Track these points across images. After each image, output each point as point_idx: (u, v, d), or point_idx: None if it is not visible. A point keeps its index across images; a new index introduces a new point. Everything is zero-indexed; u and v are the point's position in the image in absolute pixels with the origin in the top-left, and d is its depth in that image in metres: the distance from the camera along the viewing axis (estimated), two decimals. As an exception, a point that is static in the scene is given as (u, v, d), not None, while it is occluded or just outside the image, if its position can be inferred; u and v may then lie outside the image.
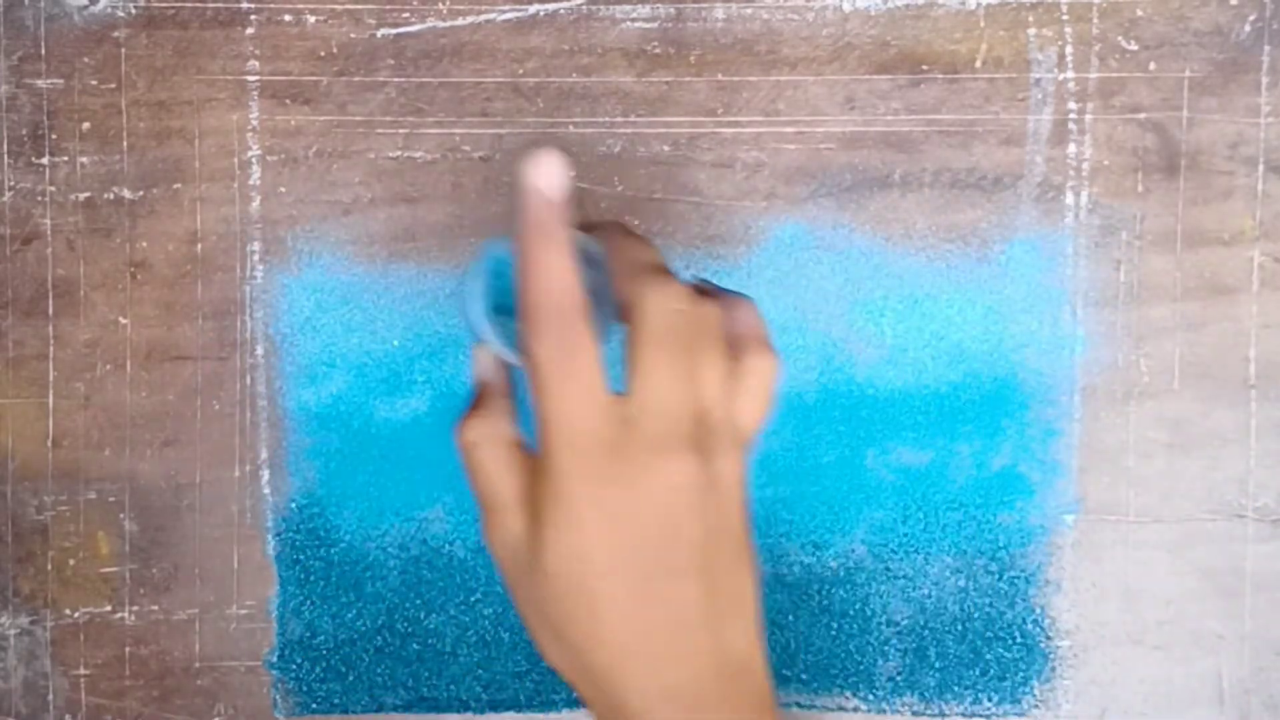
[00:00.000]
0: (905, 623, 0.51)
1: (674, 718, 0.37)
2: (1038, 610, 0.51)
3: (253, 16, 0.50)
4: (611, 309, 0.38)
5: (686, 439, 0.36)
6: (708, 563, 0.37)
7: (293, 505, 0.51)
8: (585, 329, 0.36)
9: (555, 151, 0.36)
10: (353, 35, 0.50)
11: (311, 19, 0.50)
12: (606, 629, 0.37)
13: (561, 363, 0.35)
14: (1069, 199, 0.51)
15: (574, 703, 0.52)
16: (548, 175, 0.36)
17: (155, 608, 0.51)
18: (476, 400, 0.41)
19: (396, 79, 0.50)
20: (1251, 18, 0.50)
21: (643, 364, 0.36)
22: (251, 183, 0.50)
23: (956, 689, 0.52)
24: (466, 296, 0.40)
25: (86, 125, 0.50)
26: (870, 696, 0.52)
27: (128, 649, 0.51)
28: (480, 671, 0.51)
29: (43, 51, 0.50)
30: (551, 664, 0.39)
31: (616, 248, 0.38)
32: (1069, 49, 0.50)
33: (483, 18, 0.50)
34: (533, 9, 0.50)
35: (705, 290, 0.39)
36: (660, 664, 0.37)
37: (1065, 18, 0.50)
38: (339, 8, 0.50)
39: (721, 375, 0.37)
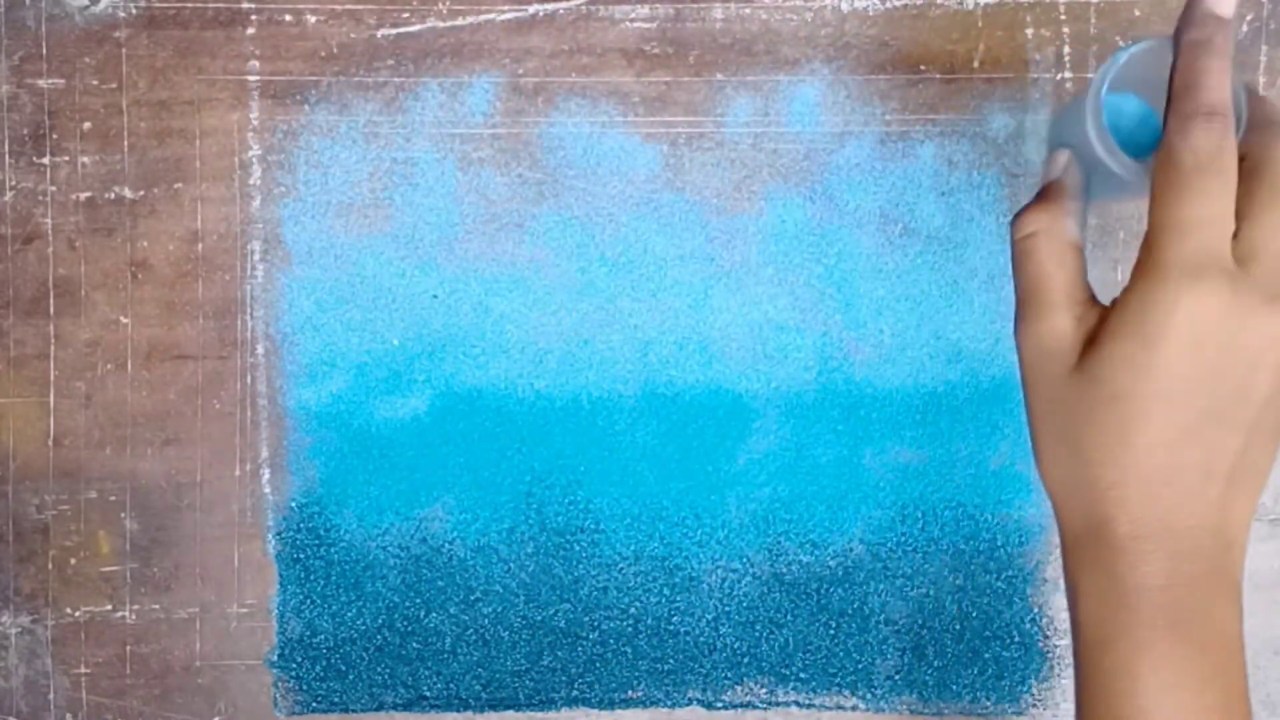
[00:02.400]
0: (903, 622, 0.52)
1: (1155, 557, 0.36)
2: (1035, 609, 0.52)
3: (253, 16, 0.50)
4: None
5: None
6: (1258, 423, 0.37)
7: (293, 504, 0.51)
8: (1234, 144, 0.36)
9: None
10: (353, 35, 0.50)
11: (311, 19, 0.50)
12: (1132, 451, 0.36)
13: (1203, 168, 0.35)
14: (1067, 199, 0.51)
15: (573, 702, 0.52)
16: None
17: (156, 607, 0.51)
18: (1043, 194, 0.40)
19: (396, 79, 0.50)
20: (1249, 17, 0.50)
21: (1267, 208, 0.36)
22: (251, 183, 0.50)
23: (954, 688, 0.52)
24: (1078, 103, 0.40)
25: (87, 125, 0.50)
26: (868, 695, 0.52)
27: (128, 648, 0.51)
28: (480, 670, 0.52)
29: (44, 51, 0.50)
30: (1041, 469, 0.38)
31: (1250, 98, 0.38)
32: (1067, 49, 0.50)
33: (483, 18, 0.50)
34: (532, 9, 0.50)
35: None
36: (1167, 502, 0.36)
37: (1063, 18, 0.50)
38: (339, 8, 0.50)
39: None
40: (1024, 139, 0.51)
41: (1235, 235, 0.36)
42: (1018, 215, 0.40)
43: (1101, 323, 0.37)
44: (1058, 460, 0.38)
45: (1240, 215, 0.36)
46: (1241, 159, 0.37)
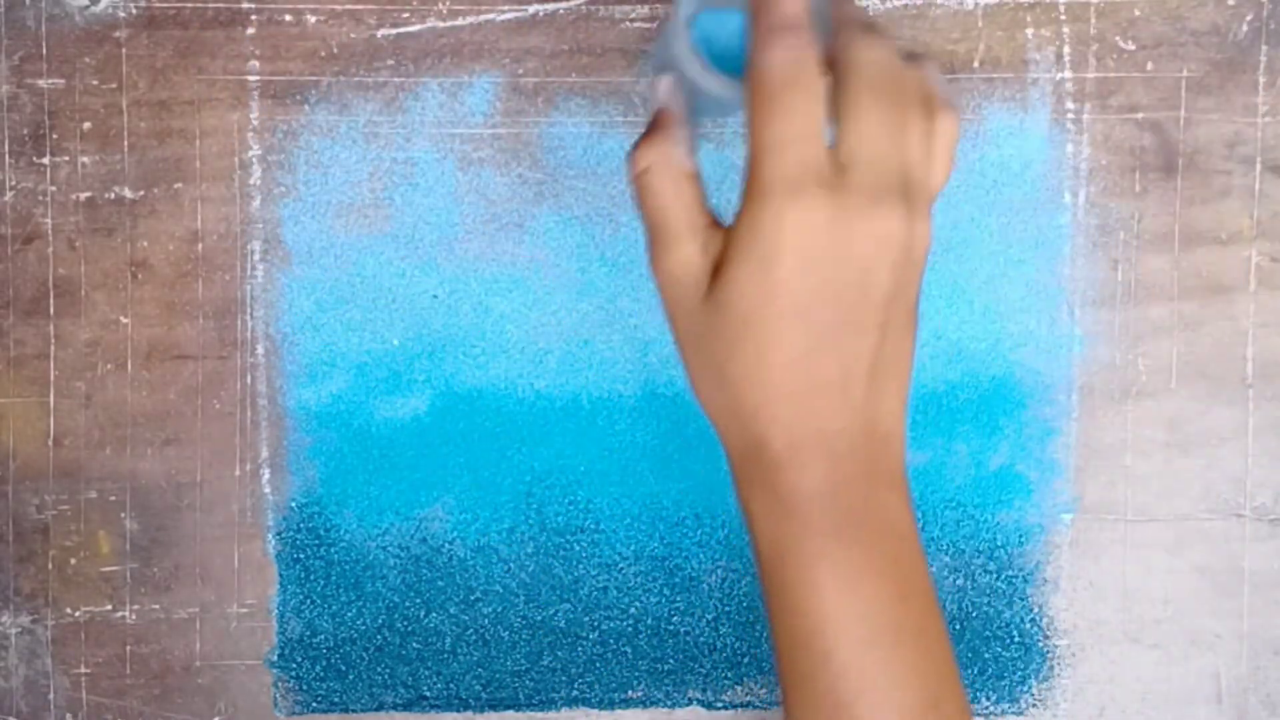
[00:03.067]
0: (904, 621, 0.52)
1: (812, 465, 0.36)
2: (1035, 609, 0.52)
3: (253, 16, 0.50)
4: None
5: (897, 193, 0.36)
6: (887, 322, 0.37)
7: (293, 504, 0.51)
8: (815, 55, 0.35)
9: None
10: (353, 35, 0.50)
11: (311, 19, 0.50)
12: (771, 370, 0.36)
13: (788, 84, 0.35)
14: (1067, 198, 0.51)
15: (573, 702, 0.52)
16: None
17: (156, 607, 0.51)
18: (653, 125, 0.40)
19: (396, 79, 0.50)
20: (1249, 17, 0.50)
21: (857, 113, 0.36)
22: (251, 183, 0.50)
23: (955, 687, 0.52)
24: (670, 25, 0.39)
25: (87, 125, 0.50)
26: (869, 695, 0.52)
27: (128, 648, 0.51)
28: (480, 670, 0.52)
29: (44, 51, 0.50)
30: (698, 397, 0.38)
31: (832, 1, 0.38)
32: (1066, 49, 0.50)
33: (483, 18, 0.50)
34: (532, 9, 0.50)
35: (906, 50, 0.38)
36: (814, 412, 0.36)
37: (1063, 18, 0.50)
38: (339, 8, 0.50)
39: (922, 134, 0.37)
40: (1025, 137, 0.51)
41: (835, 140, 0.36)
42: (631, 151, 0.39)
43: (724, 248, 0.37)
44: (706, 386, 0.38)
45: (836, 122, 0.36)
46: (833, 65, 0.37)
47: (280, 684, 0.51)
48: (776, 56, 0.35)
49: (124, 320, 0.51)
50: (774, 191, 0.35)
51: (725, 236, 0.37)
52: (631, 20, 0.50)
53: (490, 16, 0.50)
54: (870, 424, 0.37)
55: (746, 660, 0.51)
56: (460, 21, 0.50)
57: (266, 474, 0.51)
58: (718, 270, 0.37)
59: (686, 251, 0.38)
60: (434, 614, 0.51)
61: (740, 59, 0.37)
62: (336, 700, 0.52)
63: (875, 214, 0.36)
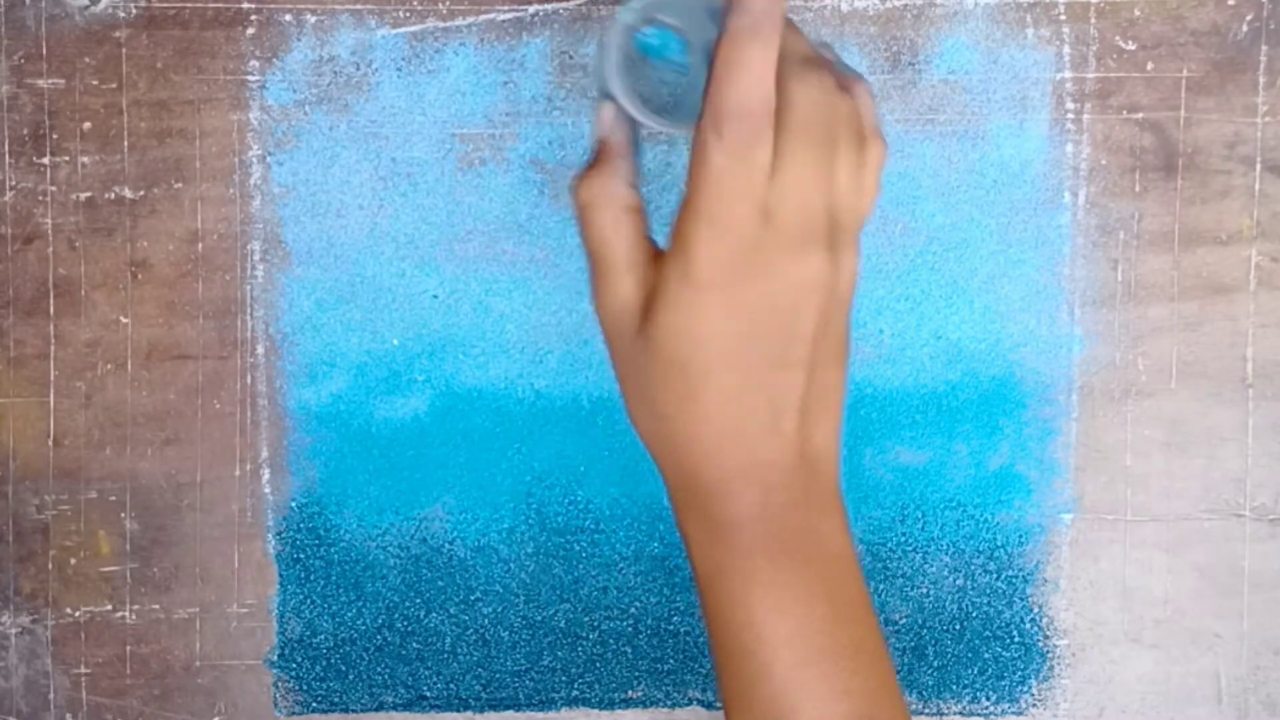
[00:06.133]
0: (903, 621, 0.52)
1: (744, 495, 0.37)
2: (1035, 609, 0.52)
3: (253, 16, 0.50)
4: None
5: (822, 235, 0.37)
6: (815, 358, 0.38)
7: (293, 504, 0.51)
8: (769, 133, 0.35)
9: None
10: (353, 35, 0.50)
11: (311, 19, 0.50)
12: (703, 407, 0.37)
13: (736, 162, 0.35)
14: (1067, 198, 0.51)
15: (573, 702, 0.52)
16: None
17: (156, 606, 0.51)
18: (596, 158, 0.40)
19: (397, 79, 0.50)
20: (1249, 17, 0.50)
21: (789, 157, 0.36)
22: (252, 183, 0.50)
23: (954, 688, 0.52)
24: (605, 50, 0.39)
25: (87, 125, 0.50)
26: (869, 695, 0.52)
27: (128, 648, 0.51)
28: (480, 670, 0.52)
29: (44, 51, 0.50)
30: (634, 425, 0.39)
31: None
32: (1066, 49, 0.50)
33: (482, 18, 0.50)
34: (532, 9, 0.50)
35: (842, 79, 0.38)
36: (745, 446, 0.37)
37: (1063, 17, 0.50)
38: (339, 8, 0.50)
39: (853, 168, 0.37)
40: (1026, 138, 0.51)
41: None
42: (573, 180, 0.39)
43: (655, 285, 0.37)
44: (641, 416, 0.39)
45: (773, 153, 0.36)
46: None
47: (280, 684, 0.51)
48: (722, 150, 0.35)
49: (124, 320, 0.51)
50: (699, 240, 0.36)
51: (659, 271, 0.38)
52: (631, 20, 0.50)
53: (490, 16, 0.50)
54: (802, 454, 0.38)
55: (746, 660, 0.51)
56: (460, 21, 0.50)
57: (266, 474, 0.51)
58: (648, 308, 0.38)
59: (624, 286, 0.38)
60: (434, 614, 0.51)
61: (673, 77, 0.38)
62: (336, 700, 0.52)
63: (800, 259, 0.36)
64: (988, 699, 0.52)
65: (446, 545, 0.51)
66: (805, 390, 0.38)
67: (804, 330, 0.37)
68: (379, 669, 0.52)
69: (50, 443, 0.51)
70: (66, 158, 0.50)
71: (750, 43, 0.35)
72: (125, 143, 0.50)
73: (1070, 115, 0.50)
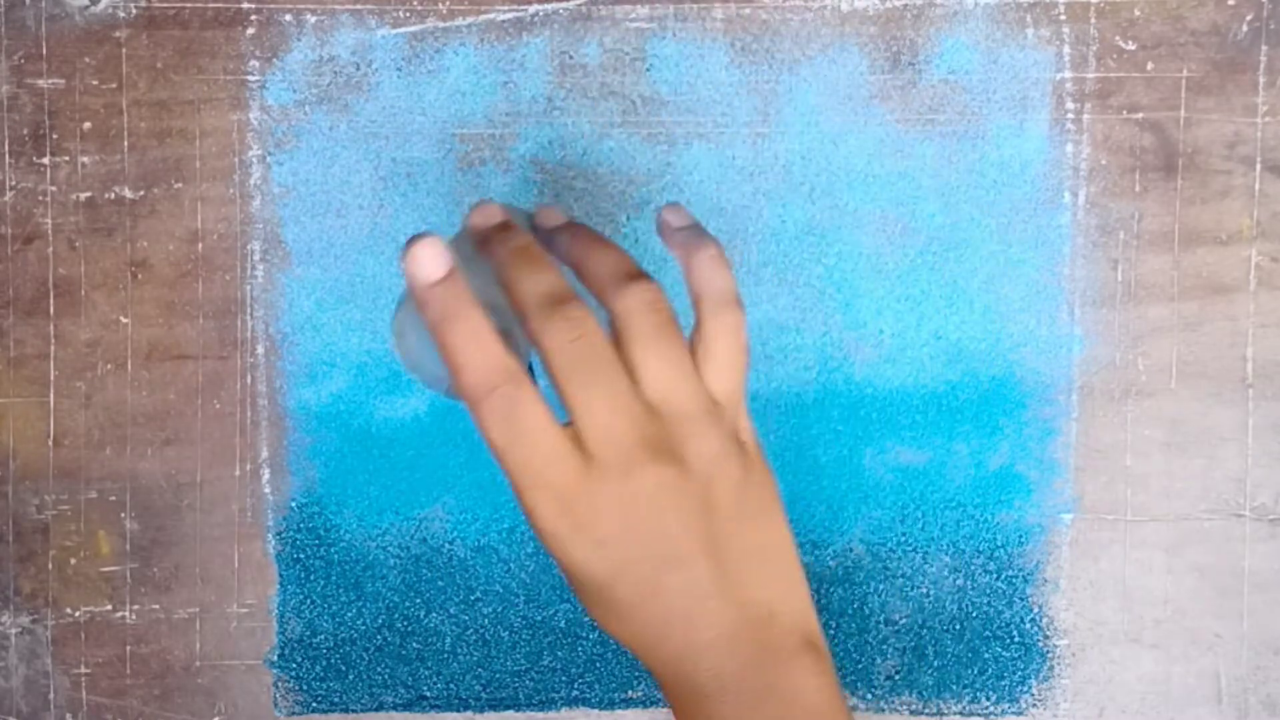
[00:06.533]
0: (903, 622, 0.52)
1: (697, 674, 0.37)
2: (1035, 609, 0.52)
3: (253, 16, 0.50)
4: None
5: (643, 448, 0.36)
6: (713, 537, 0.37)
7: (293, 504, 0.51)
8: (522, 387, 0.36)
9: (426, 237, 0.36)
10: (353, 35, 0.50)
11: (311, 19, 0.50)
12: (627, 617, 0.38)
13: (507, 430, 0.36)
14: (1067, 198, 0.51)
15: (573, 702, 0.52)
16: (427, 262, 0.36)
17: (156, 607, 0.51)
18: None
19: (397, 79, 0.50)
20: (1249, 18, 0.50)
21: (570, 398, 0.37)
22: (252, 183, 0.50)
23: (954, 688, 0.52)
24: (402, 328, 0.40)
25: (87, 125, 0.50)
26: (868, 695, 0.52)
27: (128, 648, 0.51)
28: (480, 670, 0.52)
29: (44, 51, 0.50)
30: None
31: (512, 281, 0.38)
32: (1067, 49, 0.50)
33: (482, 18, 0.50)
34: (532, 9, 0.50)
35: (635, 273, 0.38)
36: (677, 639, 0.37)
37: (1063, 17, 0.50)
38: (339, 8, 0.50)
39: (670, 361, 0.37)
40: (1025, 137, 0.51)
41: (568, 419, 0.37)
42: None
43: None
44: (596, 617, 0.39)
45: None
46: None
47: (280, 684, 0.51)
48: (488, 423, 0.36)
49: (124, 320, 0.51)
50: (534, 501, 0.37)
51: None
52: (631, 20, 0.50)
53: (490, 16, 0.50)
54: (743, 619, 0.38)
55: (746, 660, 0.51)
56: (460, 21, 0.50)
57: (266, 474, 0.51)
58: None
59: (544, 508, 0.38)
60: (434, 614, 0.51)
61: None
62: (336, 700, 0.52)
63: (632, 479, 0.36)
64: (988, 699, 0.52)
65: (446, 545, 0.51)
66: (717, 571, 0.37)
67: (681, 528, 0.37)
68: (379, 669, 0.52)
69: (50, 443, 0.51)
70: (66, 158, 0.50)
71: (450, 329, 0.36)
72: (125, 143, 0.50)
73: (1070, 115, 0.50)
